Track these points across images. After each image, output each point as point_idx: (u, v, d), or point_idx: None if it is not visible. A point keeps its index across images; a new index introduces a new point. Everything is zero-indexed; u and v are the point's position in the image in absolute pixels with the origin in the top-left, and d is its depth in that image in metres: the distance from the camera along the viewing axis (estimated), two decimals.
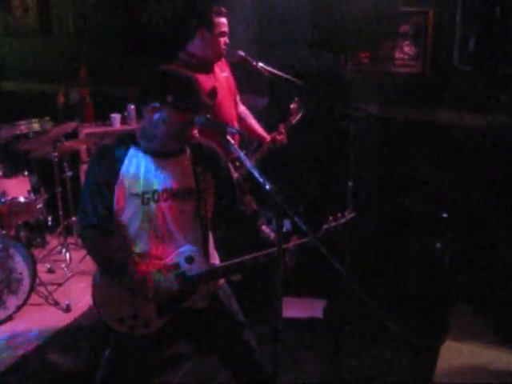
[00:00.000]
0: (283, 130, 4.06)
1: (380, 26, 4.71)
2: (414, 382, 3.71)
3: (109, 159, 2.64)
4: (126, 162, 2.64)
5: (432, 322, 4.18)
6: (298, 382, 3.68)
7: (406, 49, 4.78)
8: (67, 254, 5.11)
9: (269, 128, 4.23)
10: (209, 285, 2.75)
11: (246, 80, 4.45)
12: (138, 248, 2.67)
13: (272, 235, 2.81)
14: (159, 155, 2.66)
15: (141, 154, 2.65)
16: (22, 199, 4.61)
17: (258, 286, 4.09)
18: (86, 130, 5.50)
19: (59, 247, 5.22)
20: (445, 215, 4.49)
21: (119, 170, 2.62)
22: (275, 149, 4.08)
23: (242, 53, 3.98)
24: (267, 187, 2.30)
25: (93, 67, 6.05)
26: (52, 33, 6.42)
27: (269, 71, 3.98)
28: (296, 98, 4.04)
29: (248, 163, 2.51)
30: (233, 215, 2.90)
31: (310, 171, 4.93)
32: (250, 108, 4.35)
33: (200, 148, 2.77)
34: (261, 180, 2.35)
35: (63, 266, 5.03)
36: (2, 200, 4.50)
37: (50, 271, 5.05)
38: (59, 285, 4.83)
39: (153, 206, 2.64)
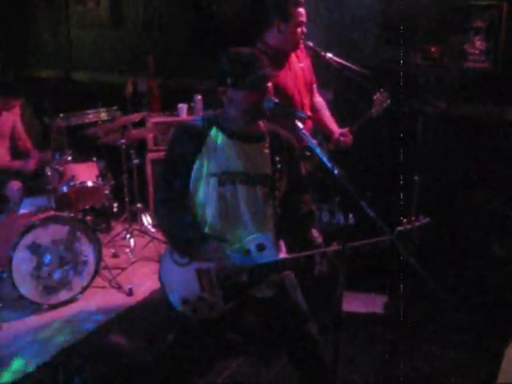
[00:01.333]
0: (349, 133, 4.03)
1: (451, 19, 4.62)
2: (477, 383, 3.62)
3: (191, 136, 2.71)
4: (208, 140, 2.69)
5: (498, 324, 4.07)
6: (355, 377, 3.63)
7: (478, 43, 4.68)
8: (131, 240, 5.20)
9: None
10: (276, 275, 2.75)
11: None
12: (211, 230, 2.69)
13: (319, 240, 2.80)
14: (240, 138, 2.70)
15: (222, 136, 2.70)
16: (89, 183, 4.72)
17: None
18: (154, 119, 5.59)
19: (123, 233, 5.31)
20: None
21: (200, 147, 2.68)
22: (338, 149, 4.05)
23: (310, 43, 3.96)
24: (336, 173, 2.30)
25: (161, 59, 6.12)
26: (122, 25, 6.54)
27: (337, 61, 3.96)
28: (381, 89, 3.99)
29: (318, 149, 2.51)
30: (291, 211, 2.88)
31: (375, 166, 4.87)
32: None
33: (279, 137, 2.80)
34: (330, 166, 2.35)
35: (127, 251, 5.13)
36: (71, 184, 4.62)
37: (115, 256, 5.17)
38: (123, 269, 4.93)
39: (229, 187, 2.67)
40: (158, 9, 6.24)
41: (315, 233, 2.84)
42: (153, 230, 5.46)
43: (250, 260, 2.65)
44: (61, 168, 4.60)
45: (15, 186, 4.74)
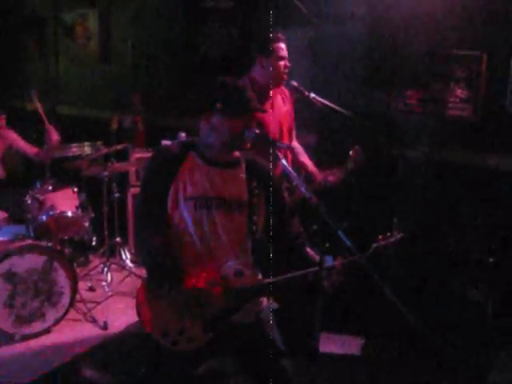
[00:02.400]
0: (338, 173, 4.09)
1: (433, 67, 4.73)
2: None
3: (168, 159, 2.72)
4: (184, 164, 2.70)
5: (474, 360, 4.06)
6: None
7: (458, 92, 4.78)
8: (108, 274, 5.15)
9: (318, 165, 4.27)
10: (255, 301, 2.75)
11: (297, 117, 4.53)
12: (187, 257, 2.68)
13: (316, 257, 2.79)
14: (216, 164, 2.72)
15: (198, 161, 2.72)
16: (69, 214, 4.69)
17: (295, 315, 4.06)
18: (137, 154, 5.61)
19: (101, 267, 5.26)
20: (491, 260, 4.42)
21: (177, 171, 2.68)
22: (325, 187, 4.11)
23: (294, 83, 4.06)
24: (315, 203, 2.33)
25: (147, 97, 6.20)
26: (111, 61, 6.63)
27: (320, 102, 4.04)
28: (356, 147, 4.08)
29: (296, 178, 2.55)
30: (279, 234, 2.87)
31: (355, 205, 4.91)
32: (301, 144, 4.40)
33: (255, 164, 2.82)
34: (308, 195, 2.39)
35: (104, 285, 5.07)
36: (51, 213, 4.59)
37: (91, 289, 5.10)
38: (98, 303, 4.86)
39: (204, 212, 2.67)
40: (146, 48, 6.34)
41: (310, 251, 2.83)
42: (131, 264, 5.42)
43: (229, 287, 2.62)
44: (41, 197, 4.58)
45: None
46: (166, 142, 5.61)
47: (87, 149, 5.45)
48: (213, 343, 2.68)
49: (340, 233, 2.24)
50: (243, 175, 2.76)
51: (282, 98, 4.10)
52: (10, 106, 6.99)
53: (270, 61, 3.87)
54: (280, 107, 4.05)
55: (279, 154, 2.61)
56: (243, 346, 2.77)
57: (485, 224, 4.60)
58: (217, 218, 2.68)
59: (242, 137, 2.65)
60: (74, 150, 5.45)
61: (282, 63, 3.90)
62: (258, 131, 2.67)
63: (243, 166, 2.78)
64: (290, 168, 2.58)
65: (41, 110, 4.98)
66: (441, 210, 4.82)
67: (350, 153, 4.10)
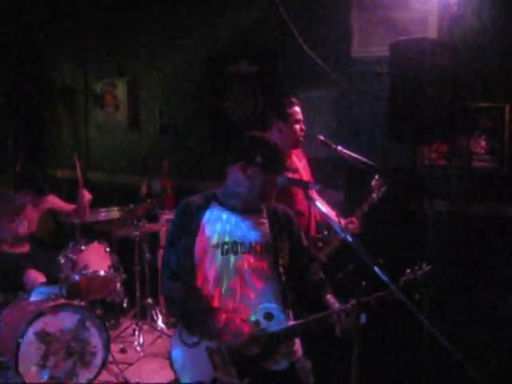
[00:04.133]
0: (356, 220, 4.12)
1: (457, 120, 4.78)
2: None
3: (192, 211, 2.79)
4: (208, 213, 2.77)
5: None
6: None
7: (483, 143, 4.82)
8: (140, 336, 5.14)
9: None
10: (288, 345, 2.73)
11: (323, 175, 4.59)
12: (218, 302, 2.69)
13: (336, 305, 2.79)
14: (239, 211, 2.79)
15: (222, 209, 2.79)
16: (102, 273, 4.74)
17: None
18: (166, 215, 5.69)
19: (132, 328, 5.26)
20: None
21: (201, 220, 2.75)
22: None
23: (321, 137, 4.16)
24: (352, 241, 2.37)
25: (175, 162, 6.31)
26: (139, 128, 6.80)
27: (348, 154, 4.11)
28: (377, 176, 4.12)
29: (330, 218, 2.58)
30: (299, 280, 2.92)
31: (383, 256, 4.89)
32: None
33: (275, 211, 2.89)
34: (343, 234, 2.42)
35: (135, 346, 5.05)
36: (83, 272, 4.65)
37: (122, 351, 5.09)
38: (130, 364, 4.84)
39: (232, 257, 2.71)
40: (174, 114, 6.50)
41: (331, 298, 2.83)
42: (162, 325, 5.40)
43: (261, 331, 2.63)
44: (74, 257, 4.65)
45: (33, 274, 4.79)
46: None
47: (116, 213, 5.55)
48: None
49: (377, 269, 2.25)
50: (266, 220, 2.83)
51: (296, 155, 4.19)
52: (43, 173, 7.18)
53: (287, 125, 4.00)
54: (296, 163, 4.12)
55: (314, 195, 2.66)
56: None
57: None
58: (244, 262, 2.72)
59: (273, 186, 2.74)
60: (103, 214, 5.56)
61: (297, 126, 4.03)
62: (289, 176, 2.75)
63: (265, 211, 2.85)
64: (323, 208, 2.62)
65: (80, 174, 5.10)
66: (470, 262, 4.78)
67: (373, 183, 4.15)
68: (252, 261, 2.72)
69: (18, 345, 4.11)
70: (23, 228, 5.08)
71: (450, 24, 4.83)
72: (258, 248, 2.74)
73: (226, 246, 2.71)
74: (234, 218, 2.77)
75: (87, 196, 5.15)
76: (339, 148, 4.11)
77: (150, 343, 5.21)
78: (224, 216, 2.77)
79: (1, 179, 7.28)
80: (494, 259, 4.71)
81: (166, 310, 5.47)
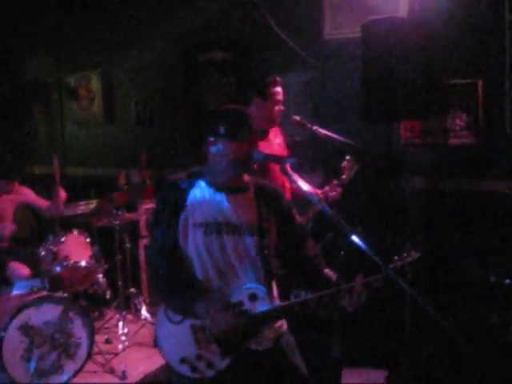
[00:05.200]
0: (336, 187, 4.14)
1: (431, 97, 4.82)
2: None
3: (175, 191, 2.74)
4: (191, 193, 2.73)
5: None
6: None
7: (458, 120, 4.86)
8: (124, 326, 5.13)
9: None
10: (273, 325, 2.72)
11: (300, 158, 4.60)
12: (202, 282, 2.68)
13: (334, 277, 2.79)
14: (224, 190, 2.74)
15: (206, 188, 2.75)
16: (83, 263, 4.72)
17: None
18: (146, 205, 5.67)
19: (116, 318, 5.26)
20: (507, 281, 4.39)
21: (185, 201, 2.71)
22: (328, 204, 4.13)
23: (297, 117, 4.16)
24: (329, 212, 2.37)
25: (153, 152, 6.29)
26: (115, 121, 6.77)
27: (324, 133, 4.12)
28: (348, 157, 4.14)
29: (307, 192, 2.60)
30: (295, 257, 2.90)
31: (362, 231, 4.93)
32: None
33: (263, 188, 2.85)
34: (320, 206, 2.43)
35: (120, 336, 5.04)
36: (64, 264, 4.63)
37: (107, 342, 5.08)
38: (116, 354, 4.84)
39: (215, 238, 2.68)
40: (149, 105, 6.48)
41: (329, 272, 2.82)
42: (147, 314, 5.40)
43: (244, 311, 2.61)
44: (54, 248, 4.63)
45: (16, 266, 4.80)
46: None
47: (94, 206, 5.52)
48: (234, 370, 2.67)
49: (355, 238, 2.27)
50: (253, 200, 2.78)
51: (273, 131, 4.17)
52: (19, 170, 7.12)
53: (267, 104, 3.97)
54: (273, 141, 4.12)
55: (288, 170, 2.66)
56: (266, 374, 2.73)
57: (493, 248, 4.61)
58: (227, 243, 2.68)
59: (248, 159, 2.71)
60: (82, 207, 5.54)
61: (277, 107, 4.00)
62: (265, 152, 2.73)
63: (252, 190, 2.81)
64: (300, 182, 2.63)
65: (57, 171, 5.06)
66: (448, 238, 4.83)
67: (343, 164, 4.16)
68: (236, 241, 2.69)
69: (1, 339, 4.10)
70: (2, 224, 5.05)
71: (420, 2, 4.88)
72: (243, 228, 2.71)
73: (209, 226, 2.68)
74: (218, 197, 2.73)
75: (63, 194, 5.12)
76: (315, 127, 4.12)
77: (135, 332, 5.21)
78: (208, 194, 2.73)
79: None
80: (473, 234, 4.77)
81: (151, 286, 5.48)
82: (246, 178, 2.82)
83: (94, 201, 5.58)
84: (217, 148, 2.70)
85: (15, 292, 4.44)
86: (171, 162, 6.27)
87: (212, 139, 2.70)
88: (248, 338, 2.63)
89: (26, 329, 4.20)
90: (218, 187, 2.75)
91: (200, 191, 2.74)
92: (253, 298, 2.63)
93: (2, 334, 4.10)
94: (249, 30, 5.60)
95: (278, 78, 4.02)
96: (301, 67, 5.31)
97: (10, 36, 7.34)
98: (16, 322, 4.16)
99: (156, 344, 2.75)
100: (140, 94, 6.54)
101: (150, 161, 6.24)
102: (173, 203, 2.72)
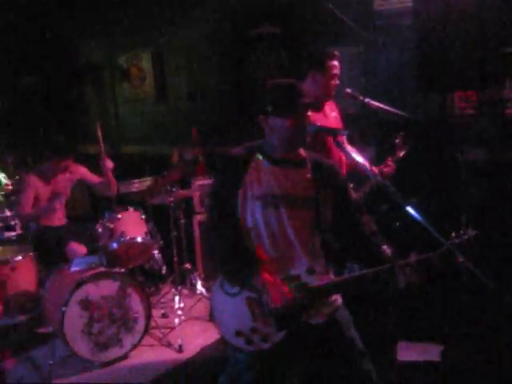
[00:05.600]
0: (390, 163, 4.10)
1: (485, 67, 4.70)
2: None
3: (233, 165, 2.76)
4: (250, 167, 2.74)
5: None
6: None
7: None
8: (180, 301, 5.20)
9: None
10: (329, 299, 2.73)
11: (352, 131, 4.56)
12: (259, 255, 2.69)
13: (391, 256, 2.77)
14: (282, 164, 2.75)
15: (264, 162, 2.75)
16: (139, 239, 4.80)
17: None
18: (199, 181, 5.72)
19: (172, 293, 5.32)
20: None
21: (243, 174, 2.73)
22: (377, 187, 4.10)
23: (348, 90, 4.11)
24: (385, 184, 2.35)
25: (205, 129, 6.33)
26: (166, 99, 6.83)
27: (377, 105, 4.07)
28: (401, 133, 4.09)
29: (361, 164, 2.57)
30: (350, 233, 2.88)
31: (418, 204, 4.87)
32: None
33: (320, 164, 2.83)
34: (375, 178, 2.41)
35: (176, 311, 5.12)
36: (121, 240, 4.72)
37: (164, 316, 5.17)
38: (172, 328, 4.91)
39: (272, 211, 2.69)
40: (200, 81, 6.50)
41: (386, 249, 2.81)
42: (202, 289, 5.47)
43: (302, 284, 2.62)
44: (111, 225, 4.72)
45: (75, 246, 4.92)
46: None
47: (148, 183, 5.59)
48: (289, 344, 2.68)
49: (409, 208, 2.24)
50: (309, 175, 2.77)
51: (329, 105, 4.12)
52: (74, 150, 7.26)
53: (323, 78, 3.92)
54: (329, 114, 4.08)
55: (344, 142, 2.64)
56: (321, 347, 2.75)
57: None
58: (284, 216, 2.70)
59: (301, 134, 2.70)
60: (137, 185, 5.62)
61: (333, 81, 3.95)
62: (318, 124, 2.72)
63: (309, 165, 2.79)
64: (353, 154, 2.60)
65: (100, 141, 5.14)
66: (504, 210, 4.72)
67: (396, 141, 4.12)
68: (292, 214, 2.70)
69: (63, 313, 4.22)
70: (59, 201, 5.16)
71: None
72: (299, 202, 2.72)
73: (267, 200, 2.69)
74: (276, 171, 2.73)
75: (110, 163, 5.20)
76: (367, 100, 4.07)
77: (191, 307, 5.27)
78: (267, 168, 2.74)
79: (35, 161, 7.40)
80: None
81: (206, 261, 5.58)
82: (303, 152, 2.82)
83: (148, 178, 5.66)
84: (270, 123, 2.70)
85: (74, 268, 4.54)
86: (223, 137, 6.30)
87: (264, 115, 2.70)
88: (304, 312, 2.64)
89: (85, 303, 4.32)
90: (275, 161, 2.75)
91: (258, 165, 2.75)
92: (310, 271, 2.64)
93: (64, 308, 4.22)
94: (299, 3, 5.54)
95: (335, 52, 3.98)
96: (352, 40, 5.24)
97: (63, 19, 7.45)
98: (76, 297, 4.28)
99: (211, 317, 2.79)
100: (191, 71, 6.56)
101: (201, 137, 6.29)
102: (231, 177, 2.74)
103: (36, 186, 5.04)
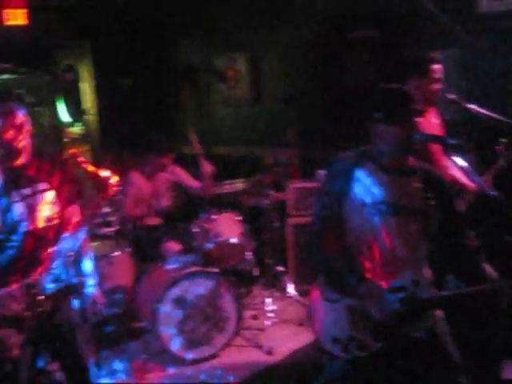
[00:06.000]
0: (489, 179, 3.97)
1: None
2: None
3: (343, 170, 2.76)
4: (358, 174, 2.73)
5: None
6: None
7: None
8: (271, 303, 5.21)
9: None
10: (428, 314, 2.69)
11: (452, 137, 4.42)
12: (363, 263, 2.69)
13: (494, 274, 2.69)
14: (391, 172, 2.72)
15: (374, 169, 2.73)
16: (234, 240, 4.85)
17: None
18: (293, 184, 5.70)
19: (263, 295, 5.35)
20: None
21: (351, 178, 2.72)
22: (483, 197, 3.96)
23: (452, 96, 3.99)
24: (495, 195, 2.27)
25: (300, 132, 6.31)
26: (262, 101, 6.85)
27: (481, 112, 3.93)
28: (504, 140, 3.94)
29: (471, 173, 2.50)
30: (454, 248, 2.81)
31: None
32: None
33: (430, 174, 2.80)
34: (485, 188, 2.33)
35: (267, 313, 5.14)
36: (216, 240, 4.77)
37: (254, 318, 5.18)
38: (262, 330, 4.93)
39: (381, 218, 2.67)
40: (296, 84, 6.48)
41: (489, 269, 2.72)
42: (294, 292, 5.44)
43: (407, 296, 2.57)
44: (206, 225, 4.78)
45: (171, 245, 5.02)
46: (322, 172, 5.66)
47: (241, 185, 5.63)
48: (386, 355, 2.64)
49: None
50: (418, 184, 2.74)
51: (431, 112, 4.03)
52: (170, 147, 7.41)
53: (426, 83, 3.84)
54: (432, 121, 3.98)
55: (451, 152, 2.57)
56: (419, 360, 2.69)
57: None
58: (393, 224, 2.67)
59: (409, 142, 2.65)
60: (230, 186, 5.66)
61: (435, 86, 3.86)
62: (427, 133, 2.66)
63: (418, 175, 2.76)
64: (463, 164, 2.53)
65: (196, 146, 5.20)
66: None
67: (499, 148, 4.00)
68: (401, 223, 2.67)
69: (157, 310, 4.32)
70: (158, 202, 5.29)
71: None
72: (409, 212, 2.68)
73: (376, 207, 2.68)
74: (386, 179, 2.71)
75: (209, 168, 5.24)
76: (472, 106, 3.93)
77: (281, 310, 5.26)
78: (376, 175, 2.72)
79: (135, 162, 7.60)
80: None
81: (298, 264, 5.53)
82: (412, 161, 2.78)
83: (240, 180, 5.69)
84: (379, 130, 2.67)
85: (169, 266, 4.63)
86: (318, 141, 6.26)
87: (373, 121, 2.67)
88: (406, 324, 2.60)
89: (179, 301, 4.40)
90: (384, 169, 2.72)
91: (367, 172, 2.73)
92: (416, 283, 2.59)
93: (158, 305, 4.32)
94: (398, 5, 5.43)
95: (437, 55, 3.89)
96: (453, 42, 5.09)
97: (162, 22, 7.62)
98: (170, 295, 4.37)
99: (308, 321, 2.78)
100: (286, 73, 6.56)
101: (296, 139, 6.27)
102: (340, 183, 2.74)
103: (138, 184, 5.18)
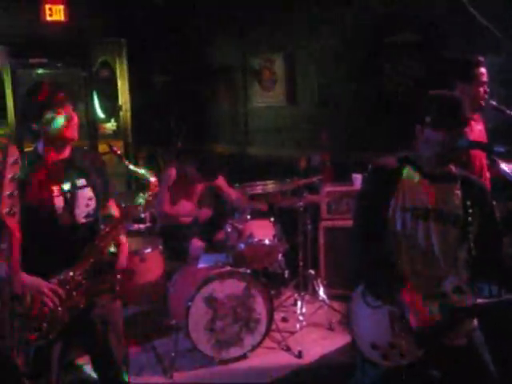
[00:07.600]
0: None
1: None
2: None
3: (385, 175, 2.76)
4: (402, 178, 2.72)
5: None
6: None
7: None
8: (301, 306, 5.19)
9: None
10: (471, 322, 2.66)
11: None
12: (405, 270, 2.66)
13: None
14: (432, 177, 2.71)
15: (416, 174, 2.73)
16: (267, 242, 4.81)
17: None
18: (327, 188, 5.67)
19: (294, 298, 5.34)
20: None
21: (394, 185, 2.71)
22: None
23: (493, 102, 3.92)
24: None
25: (334, 134, 6.28)
26: (297, 103, 6.83)
27: None
28: None
29: None
30: (492, 256, 2.76)
31: None
32: None
33: (470, 182, 2.77)
34: None
35: (297, 316, 5.11)
36: (249, 241, 4.75)
37: (284, 320, 5.17)
38: (292, 333, 4.91)
39: (421, 223, 2.66)
40: (333, 87, 6.45)
41: None
42: (324, 296, 5.40)
43: (449, 304, 2.55)
44: (240, 226, 4.77)
45: (198, 243, 5.03)
46: (356, 176, 5.63)
47: (270, 186, 5.59)
48: (426, 363, 2.61)
49: None
50: (459, 191, 2.72)
51: (475, 118, 3.96)
52: (202, 149, 7.45)
53: (472, 87, 3.78)
54: (475, 126, 3.92)
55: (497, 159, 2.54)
56: (457, 369, 2.67)
57: None
58: (433, 229, 2.66)
59: (455, 148, 2.62)
60: (259, 187, 5.63)
61: (482, 89, 3.80)
62: (470, 139, 2.63)
63: (459, 182, 2.74)
64: (506, 169, 2.49)
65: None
66: None
67: None
68: (440, 229, 2.66)
69: (188, 308, 4.31)
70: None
71: None
72: (449, 218, 2.66)
73: (416, 212, 2.66)
74: (427, 184, 2.70)
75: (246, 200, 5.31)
76: None
77: (312, 313, 5.23)
78: (417, 181, 2.71)
79: (166, 156, 7.65)
80: None
81: (329, 268, 5.54)
82: (453, 168, 2.76)
83: (272, 181, 5.66)
84: (425, 135, 2.66)
85: (201, 265, 4.63)
86: (352, 143, 6.22)
87: (420, 127, 2.66)
88: (447, 332, 2.56)
89: (210, 300, 4.39)
90: (426, 174, 2.72)
91: (409, 177, 2.72)
92: (457, 291, 2.57)
93: (189, 303, 4.31)
94: (441, 10, 5.36)
95: (481, 59, 3.83)
96: (494, 48, 5.01)
97: (197, 22, 7.64)
98: (202, 294, 4.36)
99: (347, 326, 2.77)
100: (323, 76, 6.52)
101: (330, 142, 6.24)
102: (382, 187, 2.72)
103: (174, 180, 5.22)
